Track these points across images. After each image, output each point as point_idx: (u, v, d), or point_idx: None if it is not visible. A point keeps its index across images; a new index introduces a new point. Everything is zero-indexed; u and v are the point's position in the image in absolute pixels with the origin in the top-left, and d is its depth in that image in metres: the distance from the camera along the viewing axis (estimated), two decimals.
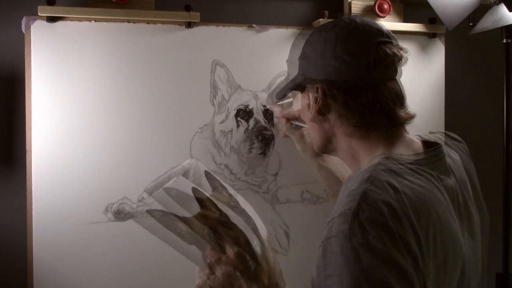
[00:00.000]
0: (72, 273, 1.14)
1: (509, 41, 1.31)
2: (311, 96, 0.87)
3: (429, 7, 1.26)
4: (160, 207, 0.91)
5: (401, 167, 0.75)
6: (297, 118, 1.17)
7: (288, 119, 1.19)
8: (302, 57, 0.89)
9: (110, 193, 1.16)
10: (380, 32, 0.81)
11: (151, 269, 1.18)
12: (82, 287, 1.15)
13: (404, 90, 0.84)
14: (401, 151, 0.80)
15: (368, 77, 0.78)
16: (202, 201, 1.01)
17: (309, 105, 0.88)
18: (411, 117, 0.84)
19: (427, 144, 0.86)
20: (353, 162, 0.86)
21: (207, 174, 1.07)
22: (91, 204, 1.15)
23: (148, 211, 0.90)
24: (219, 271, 0.82)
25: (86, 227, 1.15)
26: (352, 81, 0.79)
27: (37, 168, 1.13)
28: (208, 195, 0.99)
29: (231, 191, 1.06)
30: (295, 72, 0.97)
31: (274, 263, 0.98)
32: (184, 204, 0.97)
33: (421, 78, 1.38)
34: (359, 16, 0.84)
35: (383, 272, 0.62)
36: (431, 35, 1.39)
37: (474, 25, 1.32)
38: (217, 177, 1.07)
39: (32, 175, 1.12)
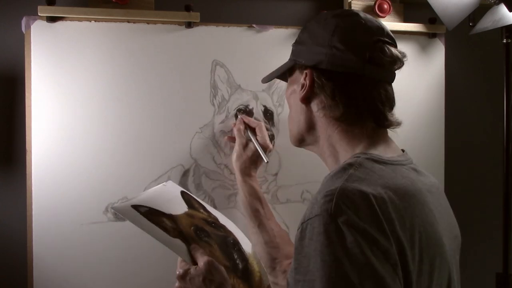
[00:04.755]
0: (72, 273, 1.14)
1: (509, 41, 1.31)
2: (298, 84, 0.83)
3: (429, 7, 1.26)
4: (143, 208, 0.90)
5: (383, 167, 0.72)
6: (254, 132, 1.17)
7: (246, 127, 1.17)
8: (297, 43, 0.85)
9: (110, 193, 1.16)
10: (382, 31, 0.79)
11: (151, 269, 1.18)
12: (82, 287, 1.15)
13: (394, 98, 0.81)
14: (382, 152, 0.76)
15: (360, 72, 0.75)
16: (190, 202, 1.01)
17: (294, 91, 0.85)
18: (398, 123, 0.80)
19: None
20: (330, 158, 0.81)
21: (182, 194, 1.07)
22: (91, 204, 1.15)
23: (133, 206, 0.89)
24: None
25: (86, 227, 1.15)
26: (343, 72, 0.76)
27: (37, 168, 1.13)
28: (186, 208, 0.98)
29: (210, 208, 1.05)
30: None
31: (261, 278, 0.97)
32: (171, 204, 0.96)
33: (421, 78, 1.38)
34: (363, 12, 0.81)
35: (359, 279, 0.58)
36: (431, 35, 1.39)
37: (474, 25, 1.32)
38: (194, 196, 1.06)
39: (32, 175, 1.12)
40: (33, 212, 1.12)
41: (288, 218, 1.27)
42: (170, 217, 0.92)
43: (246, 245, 1.02)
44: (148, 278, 1.18)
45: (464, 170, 1.54)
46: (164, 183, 1.12)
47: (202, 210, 1.04)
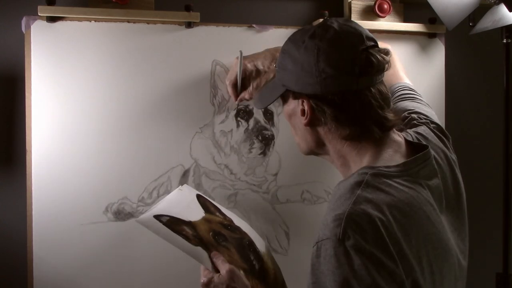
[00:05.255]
0: (72, 273, 1.14)
1: (509, 41, 1.31)
2: (296, 108, 0.84)
3: (429, 7, 1.26)
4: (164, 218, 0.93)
5: (389, 181, 0.74)
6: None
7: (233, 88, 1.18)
8: (281, 68, 0.84)
9: (110, 193, 1.16)
10: (361, 37, 0.77)
11: (151, 269, 1.18)
12: (82, 287, 1.15)
13: (388, 92, 0.81)
14: (388, 158, 0.78)
15: (355, 87, 0.76)
16: (206, 206, 1.03)
17: (294, 112, 0.85)
18: (399, 118, 0.83)
19: (412, 145, 0.84)
20: (342, 168, 0.84)
21: (198, 197, 1.08)
22: (91, 204, 1.15)
23: (155, 217, 0.91)
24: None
25: (86, 227, 1.15)
26: (340, 93, 0.76)
27: (37, 168, 1.13)
28: (203, 213, 1.00)
29: (224, 210, 1.07)
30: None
31: (275, 274, 0.98)
32: (189, 210, 0.98)
33: (421, 78, 1.38)
34: (336, 21, 0.79)
35: None
36: (431, 35, 1.39)
37: (474, 25, 1.32)
38: (209, 199, 1.08)
39: (32, 175, 1.12)
40: (33, 212, 1.12)
41: (288, 218, 1.27)
42: (190, 224, 0.94)
43: (260, 243, 1.03)
44: (148, 278, 1.18)
45: (464, 170, 1.54)
46: (180, 187, 1.12)
47: (217, 213, 1.05)
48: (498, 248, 1.35)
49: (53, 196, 1.13)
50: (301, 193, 1.28)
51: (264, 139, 1.25)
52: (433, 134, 0.90)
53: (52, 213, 1.13)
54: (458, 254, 0.80)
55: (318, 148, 0.86)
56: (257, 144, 1.25)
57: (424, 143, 0.84)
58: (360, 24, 0.81)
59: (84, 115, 1.15)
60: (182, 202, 1.03)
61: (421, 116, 0.94)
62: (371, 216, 0.68)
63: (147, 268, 1.18)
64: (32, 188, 1.12)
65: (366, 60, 0.76)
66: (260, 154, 1.25)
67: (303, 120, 0.82)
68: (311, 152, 0.89)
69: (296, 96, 0.83)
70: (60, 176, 1.14)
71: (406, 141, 0.84)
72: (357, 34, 0.78)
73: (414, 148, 0.83)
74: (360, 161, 0.80)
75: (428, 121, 0.93)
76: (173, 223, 0.92)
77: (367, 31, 0.80)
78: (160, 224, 0.91)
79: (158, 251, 1.18)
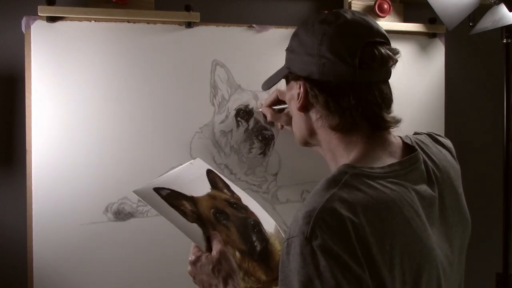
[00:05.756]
0: (72, 273, 1.14)
1: (509, 41, 1.31)
2: (294, 91, 0.84)
3: (429, 7, 1.26)
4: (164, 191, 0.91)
5: (371, 182, 0.71)
6: (278, 102, 1.16)
7: (270, 106, 1.18)
8: (289, 50, 0.85)
9: (110, 193, 1.16)
10: (370, 31, 0.76)
11: (151, 269, 1.18)
12: (82, 286, 1.15)
13: (392, 94, 0.80)
14: (376, 157, 0.76)
15: (352, 79, 0.74)
16: (215, 182, 1.02)
17: (292, 97, 0.86)
18: (396, 121, 0.80)
19: (407, 146, 0.82)
20: (331, 162, 0.83)
21: (208, 172, 1.07)
22: (91, 204, 1.15)
23: (155, 189, 0.90)
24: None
25: (86, 227, 1.15)
26: (335, 82, 0.75)
27: (37, 168, 1.13)
28: (209, 189, 0.98)
29: (235, 188, 1.05)
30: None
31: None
32: (194, 185, 0.97)
33: (421, 78, 1.38)
34: (350, 12, 0.79)
35: None
36: (431, 35, 1.39)
37: (474, 25, 1.32)
38: (220, 175, 1.06)
39: (32, 175, 1.12)
40: (33, 212, 1.12)
41: (288, 218, 1.27)
42: (191, 199, 0.93)
43: (268, 224, 1.01)
44: (148, 278, 1.18)
45: (464, 170, 1.54)
46: (191, 161, 1.11)
47: (226, 190, 1.03)
48: (498, 248, 1.35)
49: (53, 196, 1.13)
50: (301, 193, 1.28)
51: (264, 139, 1.25)
52: (434, 143, 0.87)
53: (52, 213, 1.13)
54: (445, 266, 0.77)
55: (310, 137, 0.85)
56: (257, 144, 1.25)
57: (422, 147, 0.83)
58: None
59: (84, 115, 1.15)
60: (189, 176, 1.01)
61: (424, 131, 0.93)
62: (342, 216, 0.66)
63: (147, 267, 1.18)
64: (32, 188, 1.12)
65: (369, 53, 0.74)
66: (260, 154, 1.25)
67: (297, 104, 0.82)
68: (304, 142, 0.88)
69: (295, 78, 0.83)
70: (60, 176, 1.14)
71: (404, 143, 0.83)
72: (367, 27, 0.76)
73: (411, 152, 0.80)
74: (347, 156, 0.78)
75: (430, 133, 0.91)
76: (172, 197, 0.90)
77: (381, 28, 0.78)
78: (158, 197, 0.89)
79: (158, 251, 1.18)
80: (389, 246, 0.68)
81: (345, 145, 0.79)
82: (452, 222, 0.81)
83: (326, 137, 0.81)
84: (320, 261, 0.63)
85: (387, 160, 0.77)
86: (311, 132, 0.84)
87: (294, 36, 0.84)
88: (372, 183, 0.72)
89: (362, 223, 0.66)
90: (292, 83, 0.86)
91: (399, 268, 0.68)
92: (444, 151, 0.87)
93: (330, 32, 0.76)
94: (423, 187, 0.77)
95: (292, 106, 0.87)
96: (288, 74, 0.86)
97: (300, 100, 0.81)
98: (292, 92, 0.86)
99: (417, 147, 0.81)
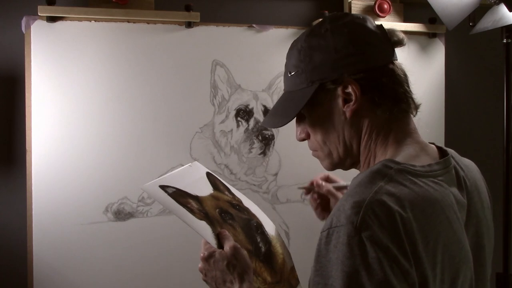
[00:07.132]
0: (72, 273, 1.14)
1: (509, 41, 1.31)
2: (333, 103, 0.77)
3: (429, 7, 1.26)
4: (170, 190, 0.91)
5: (415, 179, 0.70)
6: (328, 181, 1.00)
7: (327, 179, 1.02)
8: (304, 68, 0.78)
9: (110, 193, 1.16)
10: (372, 24, 0.78)
11: (150, 269, 1.18)
12: (82, 286, 1.15)
13: None
14: (414, 155, 0.75)
15: (393, 57, 0.75)
16: (215, 184, 1.02)
17: (328, 112, 0.78)
18: (417, 104, 0.81)
19: (440, 149, 0.83)
20: (365, 162, 0.78)
21: (208, 175, 1.07)
22: (91, 204, 1.15)
23: (161, 187, 0.89)
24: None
25: (86, 227, 1.15)
26: (383, 62, 0.75)
27: (37, 168, 1.13)
28: (212, 190, 0.98)
29: (234, 191, 1.06)
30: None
31: (284, 260, 0.97)
32: (196, 185, 0.97)
33: (421, 78, 1.38)
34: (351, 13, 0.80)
35: None
36: (431, 35, 1.39)
37: (474, 25, 1.32)
38: (219, 178, 1.07)
39: (32, 175, 1.13)
40: (33, 212, 1.12)
41: (288, 218, 1.27)
42: (196, 198, 0.93)
43: (270, 227, 1.02)
44: (148, 278, 1.18)
45: None
46: (189, 164, 1.11)
47: (226, 192, 1.03)
48: (498, 248, 1.35)
49: (53, 196, 1.13)
50: (301, 193, 1.28)
51: (264, 139, 1.25)
52: (460, 157, 0.88)
53: (52, 213, 1.13)
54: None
55: (351, 148, 0.79)
56: (257, 144, 1.25)
57: (452, 154, 0.83)
58: None
59: (84, 115, 1.15)
60: (190, 178, 1.01)
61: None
62: (392, 209, 0.64)
63: (146, 267, 1.18)
64: (32, 188, 1.12)
65: (391, 33, 0.76)
66: (260, 154, 1.25)
67: (349, 109, 0.75)
68: (345, 159, 0.80)
69: (336, 82, 0.75)
70: (60, 176, 1.14)
71: (437, 146, 0.83)
72: (371, 22, 0.78)
73: (443, 156, 0.79)
74: (386, 155, 0.77)
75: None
76: (178, 195, 0.90)
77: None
78: (166, 194, 0.89)
79: (158, 251, 1.18)
80: (433, 244, 0.67)
81: (385, 144, 0.78)
82: (479, 231, 0.82)
83: (368, 141, 0.78)
84: (369, 252, 0.61)
85: (426, 160, 0.77)
86: (353, 143, 0.79)
87: (302, 51, 0.78)
88: (415, 180, 0.71)
89: (409, 218, 0.65)
90: (321, 96, 0.78)
91: (440, 266, 0.68)
92: (471, 166, 0.87)
93: (351, 25, 0.75)
94: (456, 191, 0.78)
95: (330, 124, 0.79)
96: (320, 87, 0.77)
97: (355, 102, 0.74)
98: (328, 108, 0.78)
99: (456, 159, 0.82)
